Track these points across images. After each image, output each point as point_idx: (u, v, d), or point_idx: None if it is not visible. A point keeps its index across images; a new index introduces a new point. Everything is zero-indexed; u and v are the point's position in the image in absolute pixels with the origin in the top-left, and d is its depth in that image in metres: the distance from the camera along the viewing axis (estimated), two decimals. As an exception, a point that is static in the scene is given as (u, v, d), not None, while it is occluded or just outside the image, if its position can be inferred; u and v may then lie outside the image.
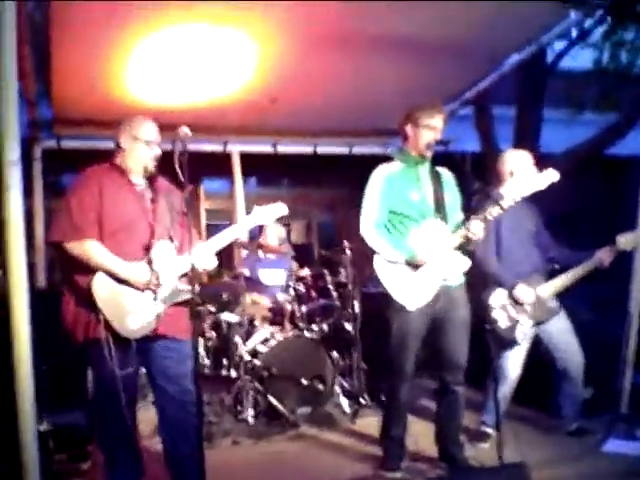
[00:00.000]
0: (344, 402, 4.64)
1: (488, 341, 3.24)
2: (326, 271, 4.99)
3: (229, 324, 4.82)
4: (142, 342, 2.87)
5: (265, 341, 4.62)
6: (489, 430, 3.86)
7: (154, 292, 2.88)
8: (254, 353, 4.56)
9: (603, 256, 3.74)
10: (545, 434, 3.97)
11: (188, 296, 2.92)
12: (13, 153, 2.61)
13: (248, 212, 3.34)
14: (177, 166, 2.69)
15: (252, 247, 5.58)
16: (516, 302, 3.78)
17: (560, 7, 4.06)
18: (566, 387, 3.89)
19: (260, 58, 4.47)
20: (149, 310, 2.87)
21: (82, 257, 2.80)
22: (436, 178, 3.45)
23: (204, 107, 5.16)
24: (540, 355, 3.90)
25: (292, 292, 4.85)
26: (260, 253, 5.49)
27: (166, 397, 2.94)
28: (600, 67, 8.54)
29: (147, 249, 2.89)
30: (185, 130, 2.71)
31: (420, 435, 3.71)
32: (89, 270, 2.79)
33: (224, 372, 4.71)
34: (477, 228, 3.22)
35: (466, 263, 3.38)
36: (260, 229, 5.74)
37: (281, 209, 3.25)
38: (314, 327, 4.82)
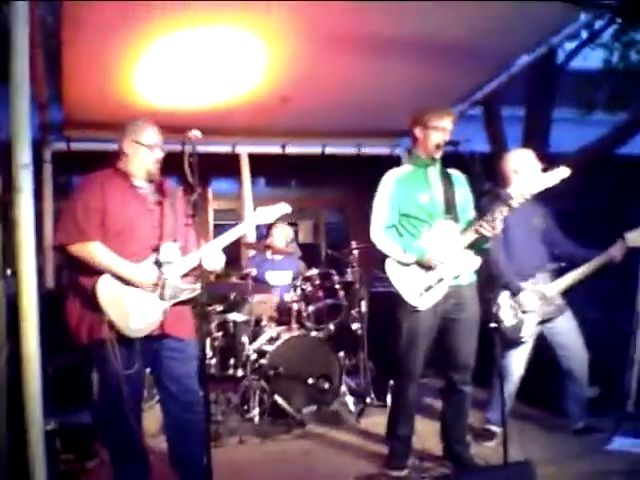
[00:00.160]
0: (350, 401, 4.66)
1: (494, 339, 3.25)
2: (333, 271, 5.01)
3: (236, 324, 4.85)
4: (147, 342, 2.89)
5: (272, 340, 4.66)
6: (494, 428, 3.87)
7: (158, 292, 2.91)
8: (261, 352, 4.59)
9: (614, 252, 3.75)
10: (550, 432, 3.98)
11: (191, 295, 2.96)
12: (25, 157, 2.64)
13: (256, 212, 3.37)
14: (187, 168, 2.73)
15: (260, 248, 5.62)
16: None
17: (571, 8, 4.06)
18: (571, 386, 3.90)
19: (269, 59, 4.48)
20: (153, 310, 2.90)
21: (87, 259, 2.83)
22: (446, 179, 3.47)
23: (213, 109, 5.19)
24: (545, 353, 3.90)
25: (299, 292, 4.87)
26: (268, 254, 5.54)
27: (171, 397, 2.97)
28: (610, 67, 8.54)
29: (151, 250, 2.92)
30: (195, 133, 2.76)
31: (425, 434, 3.72)
32: (93, 272, 2.82)
33: (231, 371, 4.74)
34: (488, 226, 3.23)
35: (476, 262, 3.40)
36: (268, 230, 5.78)
37: (284, 209, 3.28)
38: (321, 326, 4.85)
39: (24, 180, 2.64)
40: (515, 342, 3.82)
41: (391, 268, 3.38)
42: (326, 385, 4.55)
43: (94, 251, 2.83)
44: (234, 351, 4.77)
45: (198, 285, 2.94)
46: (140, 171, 3.02)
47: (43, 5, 3.86)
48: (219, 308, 5.05)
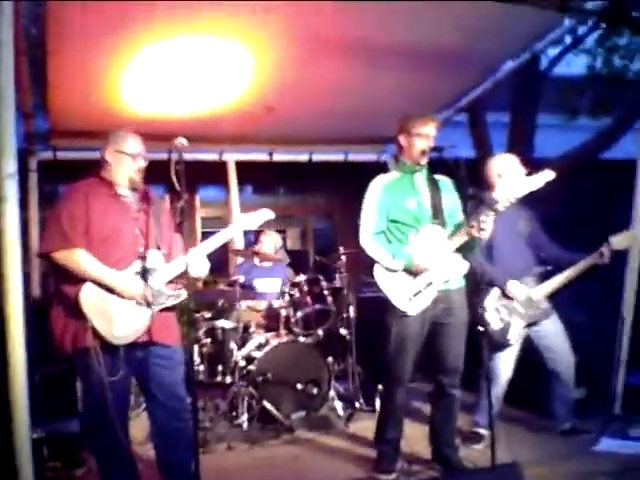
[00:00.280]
0: (339, 406, 4.66)
1: (481, 343, 3.27)
2: (321, 277, 5.02)
3: (224, 330, 4.84)
4: (132, 350, 2.88)
5: (260, 347, 4.66)
6: (482, 431, 3.88)
7: (141, 299, 2.90)
8: (249, 359, 4.59)
9: (600, 256, 3.77)
10: (538, 434, 4.00)
11: (176, 301, 2.97)
12: (10, 166, 2.64)
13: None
14: (173, 176, 2.74)
15: (248, 254, 5.63)
16: (509, 303, 3.83)
17: (554, 14, 4.11)
18: (557, 387, 3.93)
19: (256, 67, 4.51)
20: (137, 317, 2.89)
21: (71, 266, 2.82)
22: (433, 185, 3.50)
23: (200, 117, 5.21)
24: (532, 356, 3.93)
25: (287, 298, 4.88)
26: (256, 261, 5.55)
27: (158, 404, 2.96)
28: (594, 72, 8.62)
29: (135, 258, 2.93)
30: (181, 141, 2.78)
31: (414, 437, 3.73)
32: (77, 280, 2.82)
33: (219, 378, 4.72)
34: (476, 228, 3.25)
35: (465, 266, 3.43)
36: (256, 237, 5.79)
37: (267, 214, 3.29)
38: (309, 332, 4.85)
39: (9, 189, 2.64)
40: (502, 345, 3.85)
41: (380, 273, 3.40)
42: (315, 390, 4.56)
43: (79, 259, 2.82)
44: (222, 358, 4.76)
45: (183, 291, 2.95)
46: (123, 180, 3.03)
47: (27, 16, 3.86)
48: (207, 315, 5.04)
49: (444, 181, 3.54)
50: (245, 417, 4.34)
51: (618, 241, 3.80)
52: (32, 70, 4.15)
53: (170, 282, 2.99)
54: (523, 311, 3.84)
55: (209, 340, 4.81)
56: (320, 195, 9.36)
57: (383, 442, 3.56)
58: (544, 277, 3.94)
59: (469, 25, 3.99)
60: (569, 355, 3.90)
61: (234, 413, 4.48)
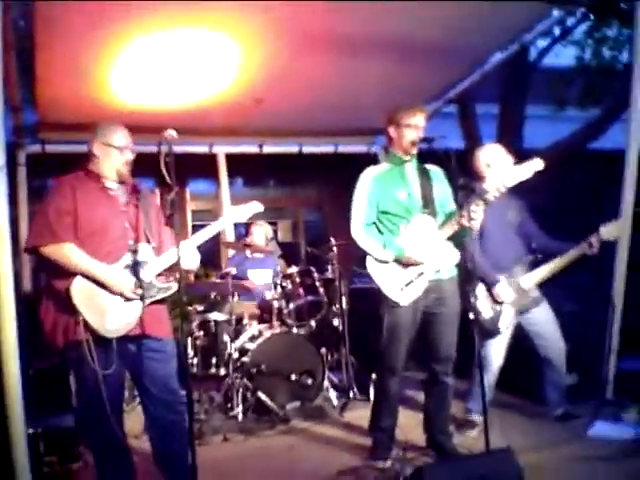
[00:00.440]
0: (333, 396, 4.68)
1: (473, 331, 3.30)
2: (313, 268, 5.03)
3: (217, 323, 4.85)
4: (125, 343, 2.87)
5: (253, 338, 4.67)
6: (475, 418, 3.91)
7: (132, 292, 2.89)
8: (243, 350, 4.60)
9: (589, 245, 3.79)
10: (531, 420, 4.04)
11: (167, 294, 2.96)
12: (-2, 159, 2.64)
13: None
14: (163, 168, 2.73)
15: (239, 247, 5.63)
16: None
17: (543, 5, 4.12)
18: (549, 373, 3.96)
19: (244, 60, 4.50)
20: (129, 310, 2.88)
21: (61, 261, 2.80)
22: (424, 175, 3.51)
23: (189, 109, 5.19)
24: (524, 343, 3.96)
25: (280, 289, 4.89)
26: (247, 253, 5.55)
27: (151, 398, 2.95)
28: (582, 64, 8.65)
29: (124, 251, 2.91)
30: (171, 132, 2.76)
31: (408, 425, 3.75)
32: (67, 274, 2.79)
33: (213, 370, 4.74)
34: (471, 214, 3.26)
35: (456, 256, 3.44)
36: (247, 229, 5.79)
37: (256, 207, 3.28)
38: (302, 323, 4.87)
39: (-2, 183, 2.64)
40: (493, 333, 3.88)
41: (372, 264, 3.41)
42: (309, 381, 4.58)
43: (68, 252, 2.80)
44: (216, 350, 4.77)
45: (174, 284, 2.95)
46: (111, 173, 3.01)
47: (16, 8, 3.83)
48: (200, 308, 5.04)
49: (435, 171, 3.55)
50: (240, 408, 4.34)
51: (607, 231, 3.82)
52: (20, 63, 4.13)
53: (160, 275, 2.98)
54: (514, 299, 3.86)
55: (202, 333, 4.81)
56: (311, 187, 9.36)
57: (378, 430, 3.58)
58: (534, 266, 3.96)
59: (458, 17, 4.00)
60: (560, 342, 3.93)
61: (229, 405, 4.49)
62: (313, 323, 4.92)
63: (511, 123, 8.01)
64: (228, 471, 3.58)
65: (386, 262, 3.37)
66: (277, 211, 9.14)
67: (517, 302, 3.86)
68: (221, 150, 6.44)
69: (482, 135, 7.92)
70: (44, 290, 2.93)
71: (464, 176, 3.35)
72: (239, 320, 4.92)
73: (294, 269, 5.03)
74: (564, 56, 8.68)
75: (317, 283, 4.95)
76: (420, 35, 4.20)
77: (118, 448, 2.96)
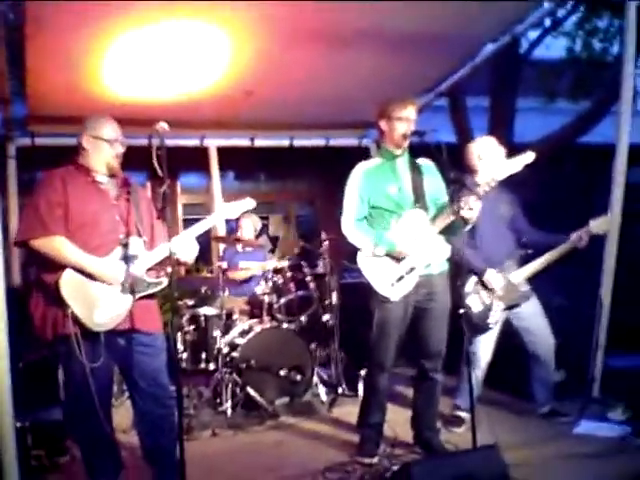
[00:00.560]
0: (322, 391, 4.70)
1: (462, 326, 3.31)
2: (304, 263, 5.03)
3: (207, 317, 4.84)
4: (114, 337, 2.88)
5: (243, 333, 4.67)
6: (463, 414, 3.93)
7: (122, 286, 2.90)
8: (232, 345, 4.61)
9: (578, 239, 3.80)
10: (518, 417, 4.06)
11: (157, 288, 2.96)
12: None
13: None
14: (155, 161, 2.72)
15: (230, 241, 5.62)
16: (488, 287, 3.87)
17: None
18: (537, 370, 3.99)
19: (235, 52, 4.48)
20: (118, 303, 2.88)
21: (51, 254, 2.80)
22: (415, 169, 3.51)
23: (180, 102, 5.16)
24: (512, 340, 3.98)
25: (270, 284, 4.89)
26: (238, 247, 5.55)
27: (140, 392, 2.95)
28: (573, 55, 8.64)
29: (114, 245, 2.91)
30: (163, 125, 2.75)
31: (396, 421, 3.77)
32: (56, 267, 2.79)
33: (202, 365, 4.74)
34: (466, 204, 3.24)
35: (447, 250, 3.45)
36: (237, 224, 5.78)
37: (249, 204, 3.28)
38: (292, 318, 4.87)
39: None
40: (482, 328, 3.89)
41: (362, 259, 3.41)
42: (298, 377, 4.58)
43: (58, 245, 2.80)
44: (206, 345, 4.77)
45: (164, 279, 2.95)
46: (100, 166, 3.00)
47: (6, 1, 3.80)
48: (190, 302, 5.03)
49: (427, 165, 3.55)
50: (229, 404, 4.35)
51: (597, 225, 3.84)
52: (10, 55, 4.09)
53: (151, 269, 2.98)
54: (503, 294, 3.88)
55: (192, 327, 4.80)
56: (302, 181, 9.33)
57: (366, 426, 3.60)
58: (524, 260, 3.98)
59: (448, 9, 3.98)
60: (549, 338, 3.95)
61: (218, 400, 4.50)
62: (303, 318, 4.92)
63: (502, 116, 7.99)
64: (216, 466, 3.59)
65: (377, 257, 3.37)
66: (269, 205, 9.09)
67: (506, 297, 3.88)
68: (212, 143, 6.41)
69: (473, 128, 7.90)
70: (34, 283, 2.93)
71: (456, 169, 3.36)
72: (229, 315, 4.91)
73: (285, 263, 5.02)
74: (555, 48, 8.67)
75: (308, 278, 4.95)
76: (410, 28, 4.18)
77: (106, 442, 2.97)
